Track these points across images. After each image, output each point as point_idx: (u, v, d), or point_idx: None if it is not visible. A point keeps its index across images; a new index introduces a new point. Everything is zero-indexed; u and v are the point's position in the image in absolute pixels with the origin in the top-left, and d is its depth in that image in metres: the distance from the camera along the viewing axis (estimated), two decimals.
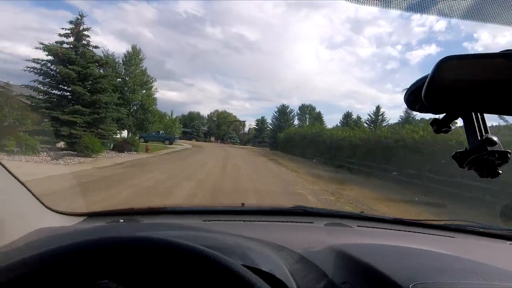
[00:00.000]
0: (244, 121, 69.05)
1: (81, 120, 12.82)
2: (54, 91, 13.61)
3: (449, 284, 0.60)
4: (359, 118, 42.41)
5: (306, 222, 1.28)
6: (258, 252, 0.71)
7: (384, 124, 35.01)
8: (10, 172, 0.89)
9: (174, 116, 42.37)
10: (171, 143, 29.79)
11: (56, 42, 13.64)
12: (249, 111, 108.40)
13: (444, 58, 0.45)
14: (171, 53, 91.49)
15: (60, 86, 13.50)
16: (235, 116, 73.92)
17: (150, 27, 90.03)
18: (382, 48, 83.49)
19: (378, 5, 0.73)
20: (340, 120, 44.77)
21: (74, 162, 10.19)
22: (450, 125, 0.55)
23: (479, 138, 0.49)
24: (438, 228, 1.39)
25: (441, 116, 0.55)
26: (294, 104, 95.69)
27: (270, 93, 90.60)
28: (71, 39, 13.87)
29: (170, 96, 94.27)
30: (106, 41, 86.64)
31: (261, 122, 61.75)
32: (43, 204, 1.04)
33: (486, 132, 0.50)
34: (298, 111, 54.58)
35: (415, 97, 0.53)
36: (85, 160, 10.78)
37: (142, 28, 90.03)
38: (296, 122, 53.07)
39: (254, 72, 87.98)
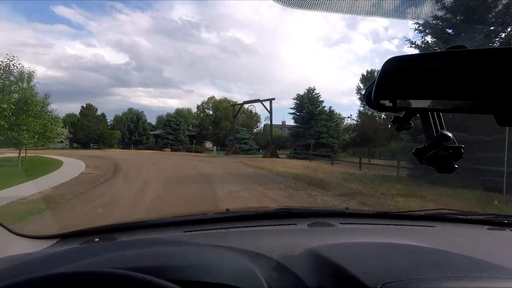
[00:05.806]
0: (272, 99, 26.68)
1: None
2: None
3: (417, 282, 0.60)
4: None
5: (290, 224, 1.28)
6: (227, 265, 0.70)
7: None
8: None
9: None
10: None
11: None
12: None
13: (390, 58, 0.44)
14: (169, 61, 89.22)
15: None
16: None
17: (146, 36, 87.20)
18: (379, 43, 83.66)
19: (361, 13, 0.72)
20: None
21: None
22: (411, 121, 0.55)
23: (435, 135, 0.50)
24: (419, 219, 1.42)
25: (402, 114, 0.56)
26: (291, 104, 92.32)
27: (269, 94, 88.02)
28: None
29: (171, 104, 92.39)
30: (104, 52, 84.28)
31: (308, 99, 26.85)
32: (9, 230, 1.00)
33: (442, 128, 0.51)
34: None
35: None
36: None
37: (138, 38, 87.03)
38: None
39: (252, 74, 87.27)
